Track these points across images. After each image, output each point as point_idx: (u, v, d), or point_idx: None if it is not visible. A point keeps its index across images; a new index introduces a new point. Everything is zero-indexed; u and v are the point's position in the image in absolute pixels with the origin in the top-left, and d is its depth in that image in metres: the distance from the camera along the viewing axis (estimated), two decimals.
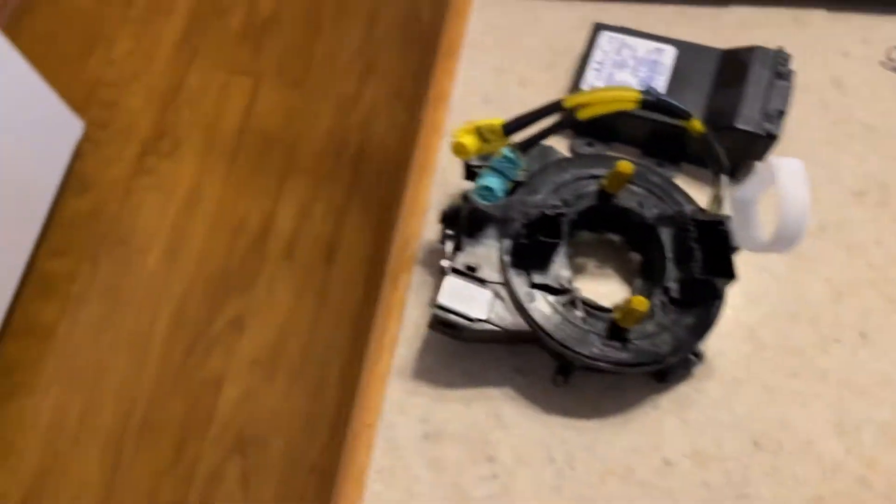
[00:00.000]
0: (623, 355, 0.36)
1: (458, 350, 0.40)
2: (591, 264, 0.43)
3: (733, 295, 0.41)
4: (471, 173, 0.41)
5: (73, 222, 1.35)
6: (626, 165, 0.38)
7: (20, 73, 1.14)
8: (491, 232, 0.39)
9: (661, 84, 0.44)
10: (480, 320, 0.37)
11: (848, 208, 0.43)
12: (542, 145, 0.41)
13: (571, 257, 0.41)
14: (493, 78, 0.48)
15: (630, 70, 0.44)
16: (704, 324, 0.38)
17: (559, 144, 0.45)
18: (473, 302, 0.37)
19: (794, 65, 0.47)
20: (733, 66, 0.43)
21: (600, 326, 0.37)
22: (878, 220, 0.43)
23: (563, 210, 0.38)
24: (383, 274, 0.44)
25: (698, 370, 0.40)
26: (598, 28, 0.46)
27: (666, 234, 0.39)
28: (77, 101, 1.45)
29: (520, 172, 0.41)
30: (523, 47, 0.48)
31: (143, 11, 1.57)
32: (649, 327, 0.37)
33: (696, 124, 0.35)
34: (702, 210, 0.39)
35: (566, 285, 0.38)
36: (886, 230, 0.43)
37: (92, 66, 1.51)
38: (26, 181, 1.20)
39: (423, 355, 0.40)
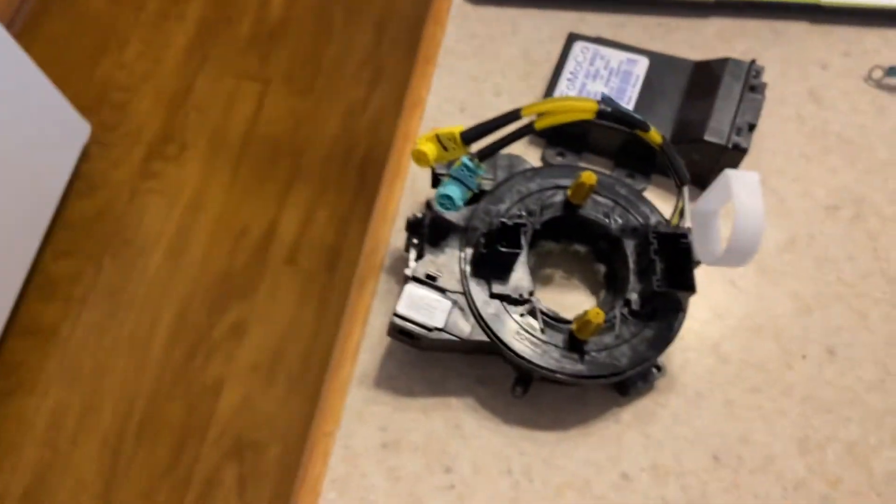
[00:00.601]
0: (580, 367, 0.36)
1: (420, 358, 0.40)
2: (557, 275, 0.42)
3: (699, 308, 0.41)
4: (437, 181, 0.41)
5: (78, 224, 1.36)
6: (589, 176, 0.38)
7: (28, 76, 1.16)
8: (454, 240, 0.39)
9: (632, 95, 0.43)
10: (438, 329, 0.36)
11: (820, 222, 0.43)
12: (511, 155, 0.41)
13: (534, 267, 0.41)
14: (469, 86, 0.47)
15: (603, 80, 0.44)
16: (665, 337, 0.37)
17: (532, 154, 0.45)
18: (432, 311, 0.37)
19: (771, 77, 0.46)
20: (705, 77, 0.42)
21: (559, 338, 0.37)
22: (850, 236, 0.42)
23: (524, 220, 0.38)
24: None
25: (661, 383, 0.39)
26: (572, 38, 0.45)
27: (630, 246, 0.39)
28: (87, 102, 1.47)
29: (485, 181, 0.40)
30: (500, 56, 0.48)
31: (154, 16, 1.59)
32: (608, 339, 0.37)
33: (655, 135, 0.35)
34: (665, 222, 0.39)
35: (526, 296, 0.38)
36: (859, 245, 0.42)
37: (103, 68, 1.53)
38: (33, 182, 1.22)
39: (386, 363, 0.40)
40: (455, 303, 0.37)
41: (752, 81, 0.41)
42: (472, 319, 0.37)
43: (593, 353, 0.37)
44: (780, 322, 0.41)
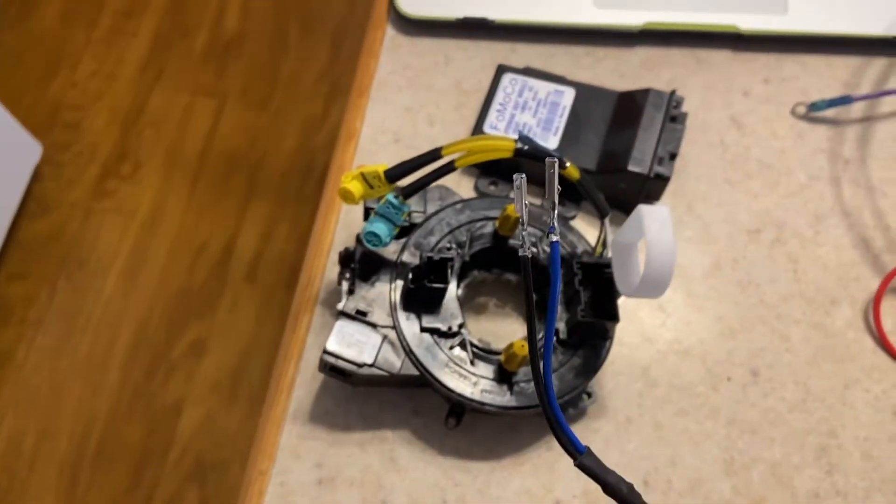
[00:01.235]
0: (509, 399, 0.37)
1: (356, 392, 0.41)
2: (491, 303, 0.43)
3: (629, 333, 0.42)
4: (368, 214, 0.41)
5: (32, 246, 1.34)
6: (514, 209, 0.39)
7: None
8: (385, 274, 0.39)
9: (560, 125, 0.44)
10: (368, 365, 0.37)
11: (743, 246, 0.44)
12: (441, 187, 0.42)
13: (466, 297, 0.42)
14: (402, 117, 0.48)
15: (531, 111, 0.45)
16: (592, 365, 0.38)
17: (465, 183, 0.46)
18: (362, 347, 0.37)
19: (695, 104, 0.48)
20: (628, 108, 0.43)
21: (489, 370, 0.38)
22: (772, 258, 0.44)
23: (451, 254, 0.38)
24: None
25: (593, 409, 0.40)
26: (501, 70, 0.46)
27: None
28: (39, 122, 1.45)
29: (416, 214, 0.41)
30: (433, 87, 0.49)
31: (107, 32, 1.57)
32: None
33: (572, 171, 0.36)
34: (590, 252, 0.40)
35: (455, 328, 0.38)
36: (780, 268, 0.44)
37: (55, 87, 1.51)
38: None
39: (321, 398, 0.41)
40: (385, 337, 0.38)
41: (672, 112, 0.43)
42: (402, 354, 0.38)
43: (522, 384, 0.37)
44: (706, 345, 0.42)
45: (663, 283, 0.33)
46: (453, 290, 0.39)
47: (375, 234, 0.37)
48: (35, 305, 1.28)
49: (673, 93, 0.43)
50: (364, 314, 0.38)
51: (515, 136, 0.35)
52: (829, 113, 0.47)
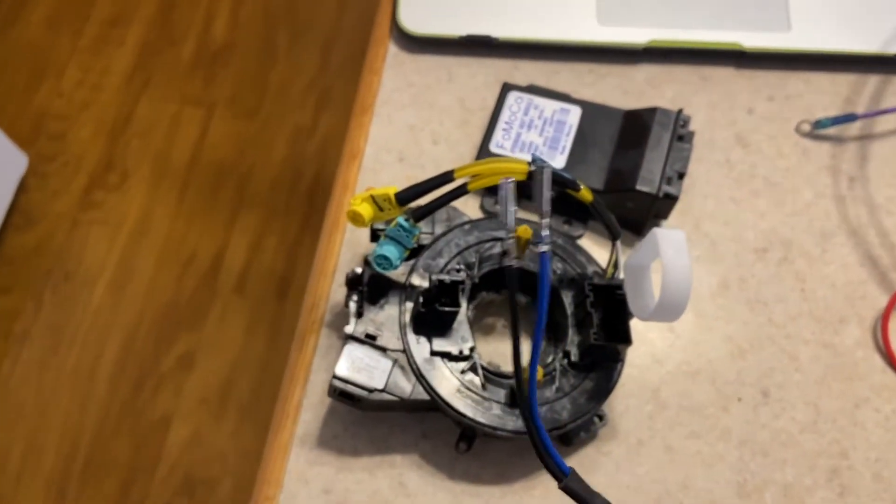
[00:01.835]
0: (521, 423, 0.36)
1: (363, 416, 0.40)
2: (499, 324, 0.43)
3: (639, 354, 0.42)
4: (375, 236, 0.41)
5: (17, 258, 1.32)
6: (525, 230, 0.38)
7: None
8: (393, 297, 0.39)
9: (566, 144, 0.44)
10: (378, 390, 0.36)
11: (751, 265, 0.44)
12: (449, 207, 0.42)
13: (475, 319, 0.41)
14: (406, 135, 0.48)
15: (537, 130, 0.45)
16: (604, 388, 0.38)
17: (471, 203, 0.45)
18: (372, 371, 0.37)
19: (700, 122, 0.48)
20: (635, 127, 0.43)
21: (501, 393, 0.37)
22: (780, 277, 0.44)
23: (462, 277, 0.38)
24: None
25: (604, 432, 0.40)
26: (507, 88, 0.46)
27: (568, 297, 0.40)
28: (24, 133, 1.43)
29: (424, 235, 0.41)
30: (437, 105, 0.48)
31: (93, 41, 1.56)
32: (549, 393, 0.37)
33: (585, 194, 0.35)
34: (601, 273, 0.40)
35: (466, 352, 0.38)
36: (788, 287, 0.43)
37: (40, 97, 1.49)
38: None
39: (329, 422, 0.40)
40: (396, 361, 0.37)
41: (679, 131, 0.43)
42: (413, 378, 0.37)
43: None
44: (716, 366, 0.42)
45: (680, 307, 0.32)
46: (464, 312, 0.38)
47: (386, 258, 0.36)
48: (21, 318, 1.27)
49: (680, 111, 0.43)
50: (373, 338, 0.38)
51: (528, 158, 0.35)
52: (833, 130, 0.47)
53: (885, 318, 0.42)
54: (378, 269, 0.37)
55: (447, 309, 0.37)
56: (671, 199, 0.42)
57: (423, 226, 0.40)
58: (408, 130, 0.48)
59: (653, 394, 0.41)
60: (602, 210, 0.36)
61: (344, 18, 1.58)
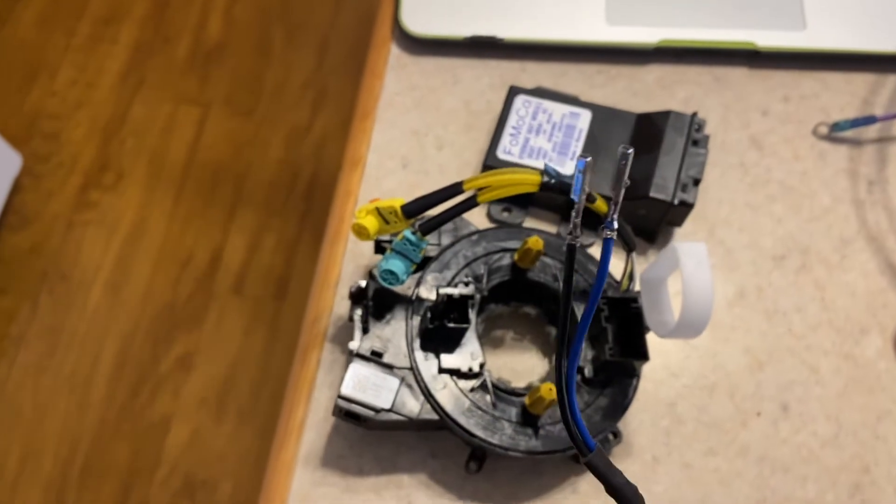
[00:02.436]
0: (534, 443, 0.35)
1: (369, 434, 0.38)
2: (508, 336, 0.41)
3: (654, 368, 0.40)
4: (380, 247, 0.39)
5: (12, 260, 1.31)
6: (535, 242, 0.37)
7: None
8: (399, 311, 0.37)
9: (576, 150, 0.43)
10: (385, 410, 0.35)
11: (768, 273, 0.43)
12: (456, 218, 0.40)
13: (483, 332, 0.40)
14: (410, 141, 0.46)
15: (546, 135, 0.43)
16: (619, 405, 0.37)
17: (478, 210, 0.44)
18: (379, 390, 0.35)
19: (713, 124, 0.46)
20: (648, 131, 0.42)
21: (512, 412, 0.36)
22: (798, 285, 0.42)
23: (471, 292, 0.36)
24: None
25: (618, 448, 0.39)
26: (513, 91, 0.44)
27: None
28: (18, 133, 1.41)
29: (430, 246, 0.39)
30: (441, 108, 0.47)
31: (86, 40, 1.54)
32: None
33: (601, 205, 0.34)
34: (615, 285, 0.38)
35: (476, 369, 0.36)
36: (807, 296, 0.42)
37: (33, 96, 1.47)
38: None
39: (333, 440, 0.39)
40: (403, 380, 0.36)
41: (694, 135, 0.41)
42: (421, 397, 0.36)
43: (548, 427, 0.36)
44: (734, 379, 0.40)
45: (701, 325, 0.31)
46: (473, 328, 0.37)
47: (392, 273, 0.35)
48: (16, 321, 1.25)
49: (694, 115, 0.41)
50: (379, 355, 0.36)
51: (538, 165, 0.33)
52: (851, 132, 0.46)
53: None
54: (384, 284, 0.36)
55: (456, 326, 0.35)
56: (686, 207, 0.40)
57: (430, 237, 0.39)
58: (411, 136, 0.46)
59: (668, 408, 0.40)
60: (619, 222, 0.35)
61: (340, 15, 1.56)
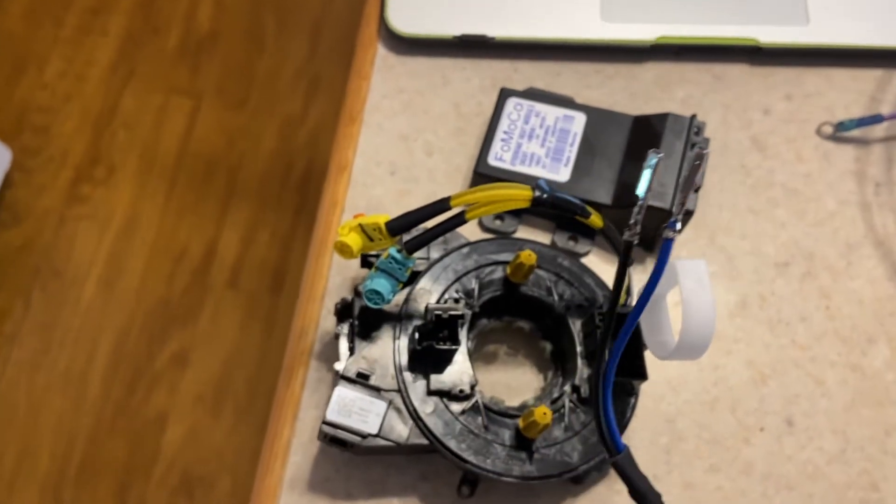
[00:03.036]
0: (529, 468, 0.34)
1: (357, 457, 0.37)
2: (501, 351, 0.40)
3: (653, 383, 0.39)
4: (367, 261, 0.38)
5: (3, 256, 1.29)
6: (528, 256, 0.35)
7: None
8: (387, 330, 0.36)
9: (571, 155, 0.41)
10: (373, 436, 0.33)
11: (771, 281, 0.41)
12: None
13: (475, 348, 0.38)
14: (398, 146, 0.44)
15: (539, 140, 0.41)
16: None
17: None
18: (366, 415, 0.34)
19: (713, 124, 0.45)
20: (645, 135, 0.40)
21: (505, 434, 0.34)
22: (803, 294, 0.41)
23: (461, 311, 0.34)
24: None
25: None
26: (505, 94, 0.43)
27: (576, 325, 0.37)
28: (7, 126, 1.39)
29: (419, 260, 0.37)
30: (430, 111, 0.45)
31: (75, 32, 1.51)
32: (557, 432, 0.34)
33: (596, 220, 0.32)
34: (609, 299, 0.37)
35: (467, 390, 0.35)
36: (812, 304, 0.40)
37: (22, 89, 1.45)
38: None
39: (320, 463, 0.37)
40: (391, 403, 0.34)
41: (693, 139, 0.39)
42: (409, 421, 0.34)
43: (542, 451, 0.34)
44: (736, 393, 0.39)
45: (703, 347, 0.29)
46: (463, 348, 0.35)
47: (377, 293, 0.33)
48: (9, 319, 1.24)
49: (693, 117, 0.40)
50: (366, 377, 0.35)
51: (529, 172, 0.31)
52: (857, 132, 0.44)
53: None
54: (370, 304, 0.34)
55: (445, 347, 0.34)
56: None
57: (415, 262, 0.37)
58: (399, 140, 0.44)
59: (668, 425, 0.38)
60: (615, 236, 0.33)
61: (332, 1, 1.54)
